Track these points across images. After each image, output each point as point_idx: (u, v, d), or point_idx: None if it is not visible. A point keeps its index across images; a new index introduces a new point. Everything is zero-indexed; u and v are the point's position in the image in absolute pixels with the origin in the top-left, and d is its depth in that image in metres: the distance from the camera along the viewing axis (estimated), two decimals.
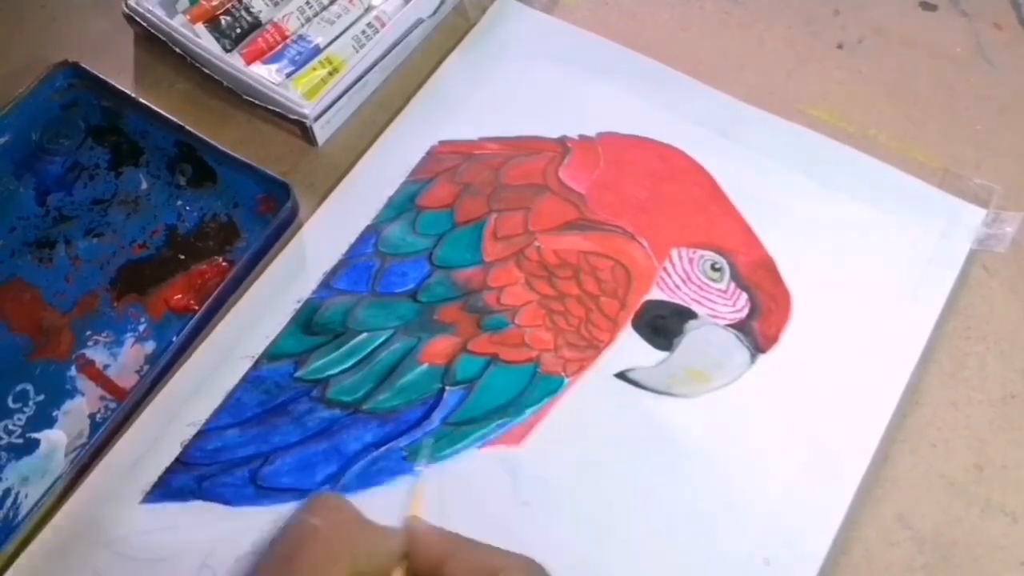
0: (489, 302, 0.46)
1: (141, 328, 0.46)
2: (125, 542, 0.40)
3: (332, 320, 0.45)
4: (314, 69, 0.51)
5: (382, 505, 0.41)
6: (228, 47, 0.52)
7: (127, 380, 0.44)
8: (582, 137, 0.50)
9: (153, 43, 0.53)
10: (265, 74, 0.50)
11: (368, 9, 0.53)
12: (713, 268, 0.46)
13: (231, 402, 0.43)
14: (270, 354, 0.45)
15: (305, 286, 0.46)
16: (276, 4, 0.53)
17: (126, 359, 0.45)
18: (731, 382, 0.44)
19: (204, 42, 0.51)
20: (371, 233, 0.48)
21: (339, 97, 0.50)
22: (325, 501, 0.33)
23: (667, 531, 0.40)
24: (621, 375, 0.44)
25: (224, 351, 0.45)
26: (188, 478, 0.42)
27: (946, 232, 0.47)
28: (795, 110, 0.51)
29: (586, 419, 0.43)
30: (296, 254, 0.47)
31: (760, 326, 0.45)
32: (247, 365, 0.44)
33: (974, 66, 0.53)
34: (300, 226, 0.48)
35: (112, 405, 0.44)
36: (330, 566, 0.30)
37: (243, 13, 0.53)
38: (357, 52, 0.51)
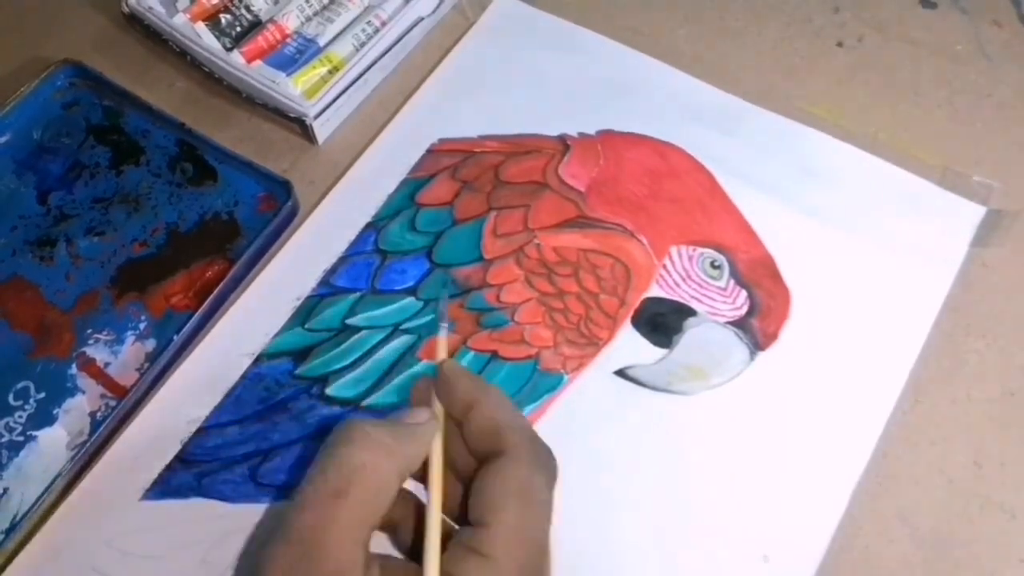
0: (489, 299, 0.46)
1: (141, 326, 0.46)
2: (125, 539, 0.40)
3: (332, 317, 0.45)
4: (314, 67, 0.51)
5: None
6: (228, 45, 0.52)
7: (127, 378, 0.44)
8: (582, 135, 0.50)
9: (154, 42, 0.53)
10: (265, 72, 0.50)
11: (368, 8, 0.53)
12: (713, 266, 0.46)
13: (231, 400, 0.44)
14: (270, 351, 0.45)
15: (305, 283, 0.46)
16: (276, 2, 0.54)
17: (126, 357, 0.45)
18: (730, 380, 0.44)
19: (204, 41, 0.51)
20: (371, 230, 0.48)
21: (339, 95, 0.50)
22: (361, 432, 0.33)
23: (666, 527, 0.40)
24: (621, 372, 0.44)
25: (224, 349, 0.45)
26: (188, 475, 0.42)
27: (946, 229, 0.47)
28: (795, 108, 0.51)
29: (586, 416, 0.43)
30: (296, 252, 0.47)
31: (759, 324, 0.45)
32: (247, 363, 0.44)
33: (974, 63, 0.53)
34: (300, 224, 0.48)
35: (112, 403, 0.44)
36: (383, 496, 0.32)
37: (243, 12, 0.53)
38: (357, 50, 0.52)
